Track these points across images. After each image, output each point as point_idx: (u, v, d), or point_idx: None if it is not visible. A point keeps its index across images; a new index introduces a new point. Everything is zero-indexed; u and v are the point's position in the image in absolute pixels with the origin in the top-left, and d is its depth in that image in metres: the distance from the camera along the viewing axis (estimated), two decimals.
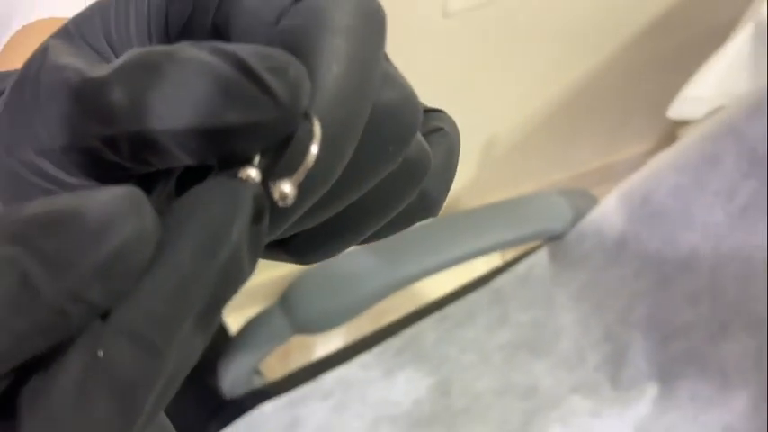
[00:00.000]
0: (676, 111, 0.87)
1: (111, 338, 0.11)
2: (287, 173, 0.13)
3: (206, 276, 0.11)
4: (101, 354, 0.11)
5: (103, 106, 0.13)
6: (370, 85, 0.13)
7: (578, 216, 0.78)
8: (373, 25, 0.13)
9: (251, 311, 0.71)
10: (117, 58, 0.15)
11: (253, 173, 0.12)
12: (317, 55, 0.13)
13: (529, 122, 1.20)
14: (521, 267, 0.80)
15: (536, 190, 1.32)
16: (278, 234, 0.14)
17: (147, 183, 0.15)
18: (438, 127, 0.17)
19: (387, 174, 0.14)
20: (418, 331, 0.78)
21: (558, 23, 1.00)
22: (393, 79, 0.14)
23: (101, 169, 0.14)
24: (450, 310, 0.79)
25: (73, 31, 0.16)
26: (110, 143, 0.13)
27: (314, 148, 0.12)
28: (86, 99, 0.13)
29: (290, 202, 0.13)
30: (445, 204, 0.18)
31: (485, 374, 0.78)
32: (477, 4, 0.89)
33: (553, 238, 0.80)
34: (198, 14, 0.15)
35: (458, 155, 0.17)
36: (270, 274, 1.20)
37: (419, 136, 0.15)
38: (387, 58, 0.15)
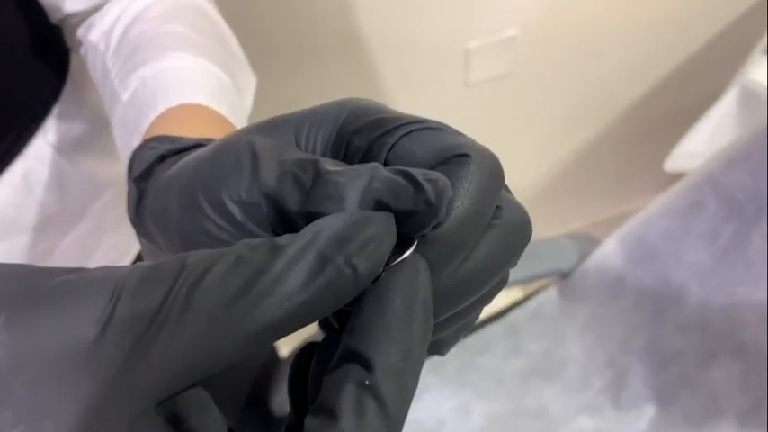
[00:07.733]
0: (672, 164, 0.94)
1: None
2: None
3: None
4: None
5: (305, 183, 0.17)
6: (485, 216, 0.17)
7: (583, 257, 0.84)
8: (494, 178, 0.18)
9: (301, 337, 0.77)
10: None
11: (409, 251, 0.17)
12: (455, 189, 0.17)
13: (544, 178, 1.26)
14: (532, 303, 0.87)
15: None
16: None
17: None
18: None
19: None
20: (442, 358, 0.84)
21: (569, 90, 1.07)
22: (514, 205, 0.19)
23: (278, 222, 0.18)
24: (470, 340, 0.86)
25: (272, 124, 0.20)
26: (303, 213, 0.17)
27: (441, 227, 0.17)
28: (296, 172, 0.17)
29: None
30: None
31: (500, 398, 0.83)
32: (495, 75, 0.97)
33: (561, 276, 0.86)
34: (375, 149, 0.18)
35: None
36: None
37: None
38: (508, 190, 0.19)
